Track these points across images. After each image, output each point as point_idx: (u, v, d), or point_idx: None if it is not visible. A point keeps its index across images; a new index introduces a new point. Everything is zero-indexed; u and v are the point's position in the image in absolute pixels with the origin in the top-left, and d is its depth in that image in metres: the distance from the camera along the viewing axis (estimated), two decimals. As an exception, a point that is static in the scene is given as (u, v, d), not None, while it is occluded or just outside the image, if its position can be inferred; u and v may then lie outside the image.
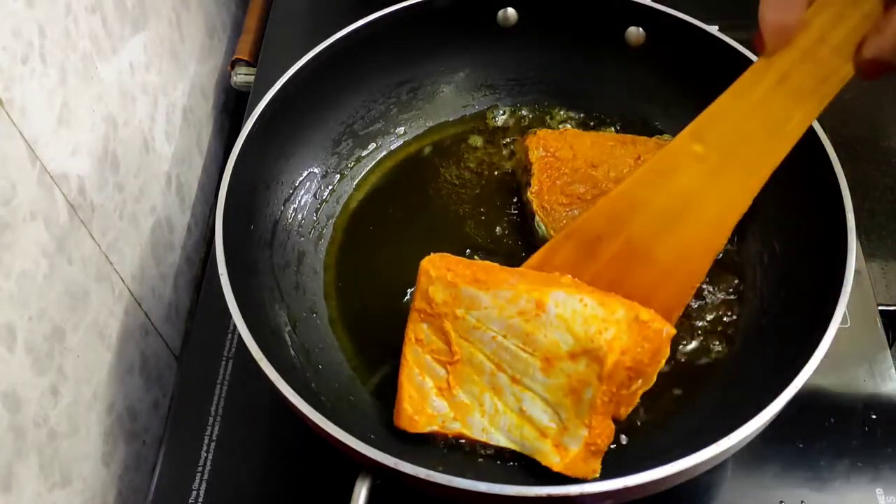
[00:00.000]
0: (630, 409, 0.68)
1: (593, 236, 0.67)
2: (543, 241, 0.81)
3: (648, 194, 0.65)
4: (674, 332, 0.65)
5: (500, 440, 0.64)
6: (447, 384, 0.67)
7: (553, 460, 0.63)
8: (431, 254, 0.69)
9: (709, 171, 0.61)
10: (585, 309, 0.63)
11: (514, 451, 0.66)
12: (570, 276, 0.68)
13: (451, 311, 0.66)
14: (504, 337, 0.65)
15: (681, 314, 0.69)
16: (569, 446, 0.63)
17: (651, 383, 0.67)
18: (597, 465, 0.63)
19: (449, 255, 0.69)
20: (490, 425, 0.65)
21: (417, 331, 0.68)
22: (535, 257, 0.71)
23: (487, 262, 0.70)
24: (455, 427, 0.65)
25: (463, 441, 0.68)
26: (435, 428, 0.66)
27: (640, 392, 0.68)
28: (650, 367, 0.66)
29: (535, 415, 0.64)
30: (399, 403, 0.68)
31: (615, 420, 0.66)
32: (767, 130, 0.59)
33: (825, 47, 0.56)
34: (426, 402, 0.67)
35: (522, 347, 0.65)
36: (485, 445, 0.67)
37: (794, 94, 0.58)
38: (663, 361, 0.66)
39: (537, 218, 0.81)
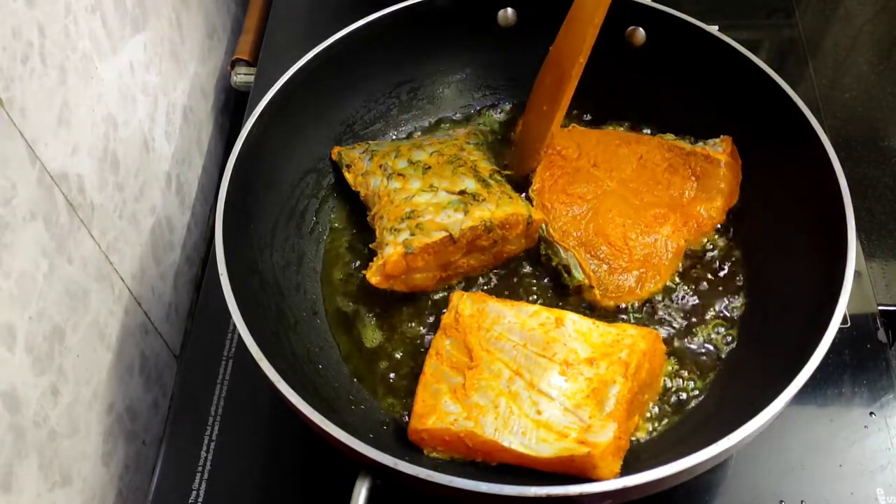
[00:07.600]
0: (641, 421, 0.70)
1: None
2: (543, 239, 0.81)
3: None
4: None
5: (512, 442, 0.64)
6: (462, 388, 0.68)
7: (582, 451, 0.62)
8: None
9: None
10: (598, 328, 0.70)
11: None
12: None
13: (477, 324, 0.71)
14: (524, 346, 0.69)
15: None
16: (597, 439, 0.63)
17: (658, 392, 0.73)
18: (617, 467, 0.64)
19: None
20: (503, 427, 0.65)
21: (439, 345, 0.72)
22: None
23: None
24: (467, 426, 0.65)
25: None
26: (445, 425, 0.66)
27: (651, 402, 0.72)
28: (660, 376, 0.72)
29: (554, 419, 0.65)
30: (413, 409, 0.68)
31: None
32: None
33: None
34: (439, 403, 0.67)
35: (542, 353, 0.69)
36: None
37: None
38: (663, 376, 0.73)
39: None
